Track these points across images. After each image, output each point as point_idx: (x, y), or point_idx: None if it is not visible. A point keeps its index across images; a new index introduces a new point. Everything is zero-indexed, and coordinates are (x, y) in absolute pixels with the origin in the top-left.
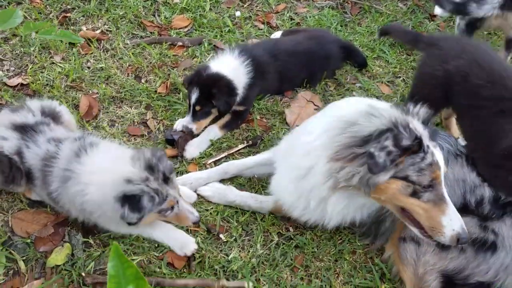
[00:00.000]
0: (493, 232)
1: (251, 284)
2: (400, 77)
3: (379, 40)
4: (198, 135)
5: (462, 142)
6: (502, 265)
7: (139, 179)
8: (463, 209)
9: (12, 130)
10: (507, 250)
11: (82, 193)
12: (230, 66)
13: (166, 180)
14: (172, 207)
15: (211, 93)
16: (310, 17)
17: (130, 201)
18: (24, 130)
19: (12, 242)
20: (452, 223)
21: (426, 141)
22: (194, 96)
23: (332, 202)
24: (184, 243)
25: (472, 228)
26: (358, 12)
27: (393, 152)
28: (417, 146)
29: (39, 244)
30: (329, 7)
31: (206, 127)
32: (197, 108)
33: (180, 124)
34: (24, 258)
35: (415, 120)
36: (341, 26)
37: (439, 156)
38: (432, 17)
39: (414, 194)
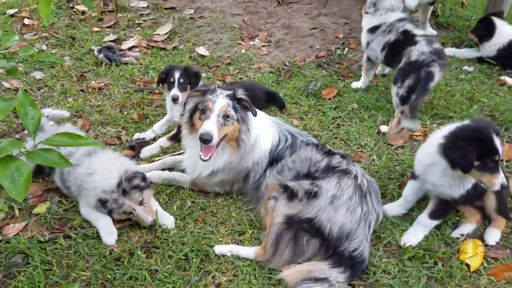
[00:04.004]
0: (316, 186)
1: None
2: (308, 115)
3: (299, 92)
4: (152, 141)
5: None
6: (320, 206)
7: (108, 191)
8: (307, 175)
9: None
10: (323, 196)
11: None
12: None
13: (125, 194)
14: (131, 212)
15: (188, 73)
16: (254, 77)
17: (102, 201)
18: None
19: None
20: (202, 128)
21: (219, 94)
22: (178, 74)
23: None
24: (107, 234)
25: (306, 185)
26: (290, 75)
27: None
28: (207, 91)
29: (30, 201)
30: (269, 72)
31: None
32: (181, 80)
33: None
34: (20, 208)
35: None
36: (275, 83)
37: (219, 99)
38: (344, 78)
39: (200, 117)
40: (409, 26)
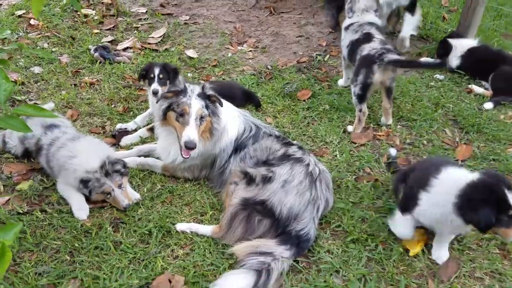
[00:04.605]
0: (271, 171)
1: None
2: (282, 114)
3: (276, 93)
4: (133, 131)
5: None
6: (273, 189)
7: (91, 172)
8: (265, 162)
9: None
10: (276, 181)
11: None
12: None
13: (107, 175)
14: (110, 193)
15: (167, 69)
16: (236, 79)
17: (84, 181)
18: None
19: (0, 176)
20: (185, 134)
21: (191, 94)
22: (157, 70)
23: (174, 148)
24: (79, 209)
25: (262, 170)
26: (270, 78)
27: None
28: (179, 92)
29: (15, 178)
30: (251, 74)
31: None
32: (161, 76)
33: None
34: (5, 184)
35: (197, 90)
36: (255, 84)
37: (194, 102)
38: (321, 82)
39: (177, 119)
40: (374, 31)
